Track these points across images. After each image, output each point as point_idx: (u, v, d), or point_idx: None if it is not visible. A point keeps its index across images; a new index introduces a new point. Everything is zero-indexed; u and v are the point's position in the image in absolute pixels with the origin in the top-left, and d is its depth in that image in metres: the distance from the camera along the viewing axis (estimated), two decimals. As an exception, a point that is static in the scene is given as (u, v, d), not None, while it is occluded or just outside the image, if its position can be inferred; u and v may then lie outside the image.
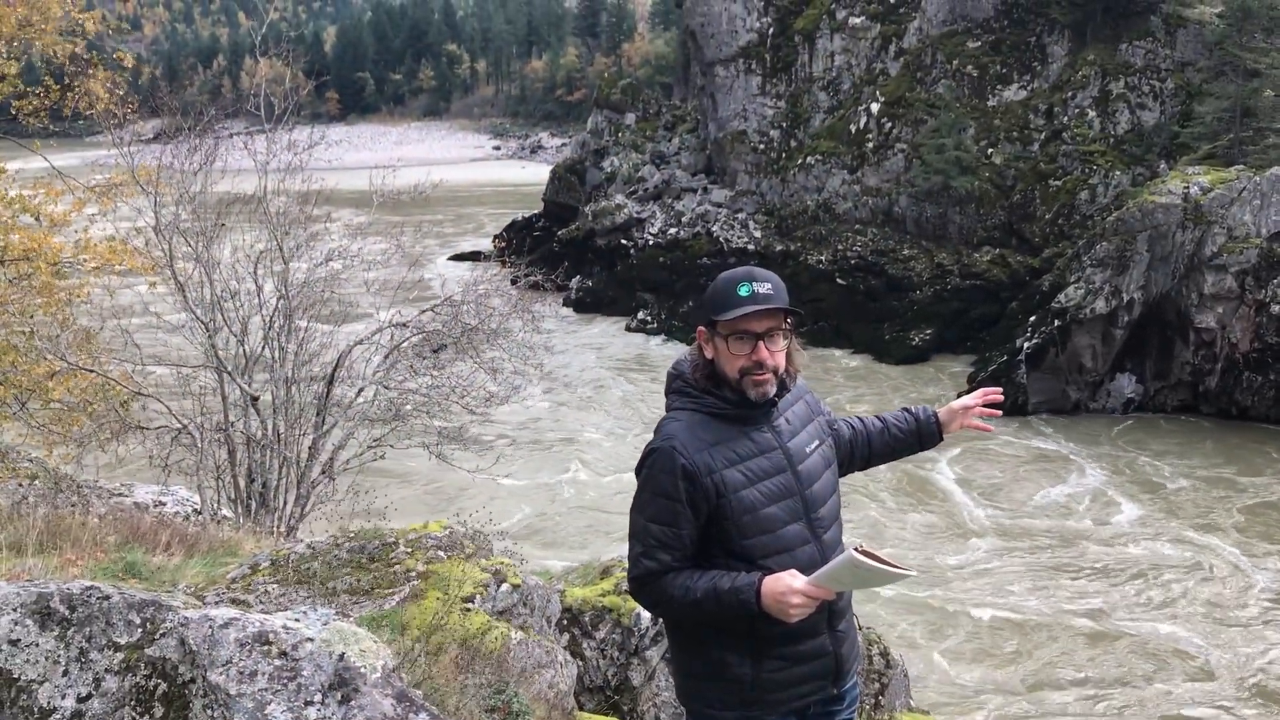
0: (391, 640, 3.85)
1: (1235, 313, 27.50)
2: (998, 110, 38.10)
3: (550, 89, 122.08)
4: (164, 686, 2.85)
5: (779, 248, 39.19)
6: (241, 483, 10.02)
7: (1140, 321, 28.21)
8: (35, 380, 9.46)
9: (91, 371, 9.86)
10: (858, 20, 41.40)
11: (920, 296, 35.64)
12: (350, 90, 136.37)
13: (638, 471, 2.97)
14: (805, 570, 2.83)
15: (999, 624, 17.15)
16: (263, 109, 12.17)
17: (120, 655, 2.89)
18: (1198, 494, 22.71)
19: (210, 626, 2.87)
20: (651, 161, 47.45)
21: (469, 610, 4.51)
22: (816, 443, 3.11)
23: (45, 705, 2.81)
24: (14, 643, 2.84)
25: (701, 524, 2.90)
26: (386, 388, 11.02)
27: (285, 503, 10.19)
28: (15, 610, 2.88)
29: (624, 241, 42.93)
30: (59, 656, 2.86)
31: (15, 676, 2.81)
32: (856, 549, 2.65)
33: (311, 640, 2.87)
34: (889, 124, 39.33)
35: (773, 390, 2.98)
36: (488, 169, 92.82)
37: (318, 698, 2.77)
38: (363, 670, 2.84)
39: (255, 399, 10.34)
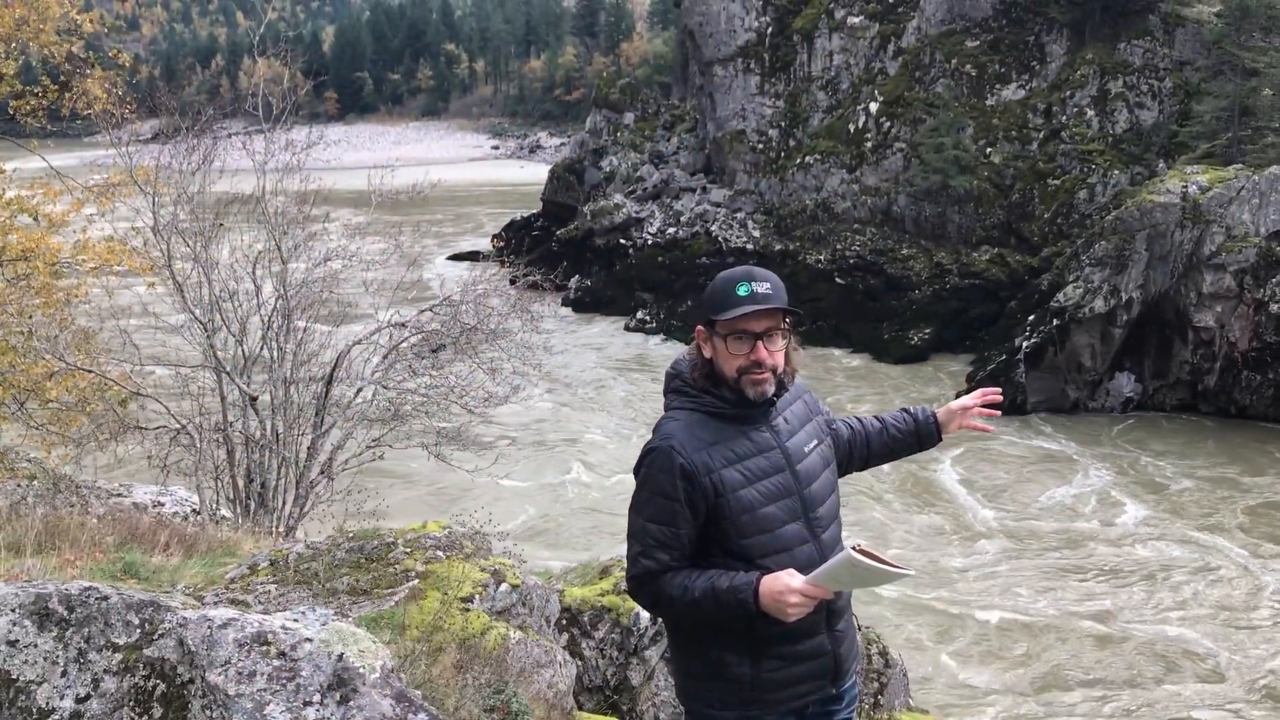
0: (390, 640, 3.85)
1: (1234, 312, 27.51)
2: (996, 109, 38.11)
3: (549, 88, 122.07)
4: (163, 687, 2.85)
5: (778, 247, 39.19)
6: (240, 483, 10.01)
7: (1139, 321, 28.22)
8: (33, 381, 9.45)
9: (90, 372, 9.86)
10: (856, 20, 41.40)
11: (919, 296, 35.65)
12: (348, 90, 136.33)
13: (636, 471, 2.97)
14: (803, 569, 2.83)
15: (1006, 625, 17.08)
16: (261, 109, 12.16)
17: (119, 656, 2.89)
18: (1202, 494, 22.65)
19: (209, 627, 2.87)
20: (650, 161, 47.45)
21: (468, 610, 4.51)
22: (815, 442, 3.11)
23: (44, 706, 2.80)
24: (12, 643, 2.83)
25: (700, 523, 2.90)
26: (385, 388, 11.02)
27: (284, 503, 10.18)
28: (14, 611, 2.87)
29: (623, 241, 42.92)
30: (57, 657, 2.86)
31: (14, 677, 2.81)
32: (855, 548, 2.65)
33: (310, 640, 2.87)
34: (888, 123, 39.33)
35: (771, 390, 2.98)
36: (486, 169, 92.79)
37: (316, 698, 2.77)
38: (361, 670, 2.84)
39: (254, 399, 10.33)
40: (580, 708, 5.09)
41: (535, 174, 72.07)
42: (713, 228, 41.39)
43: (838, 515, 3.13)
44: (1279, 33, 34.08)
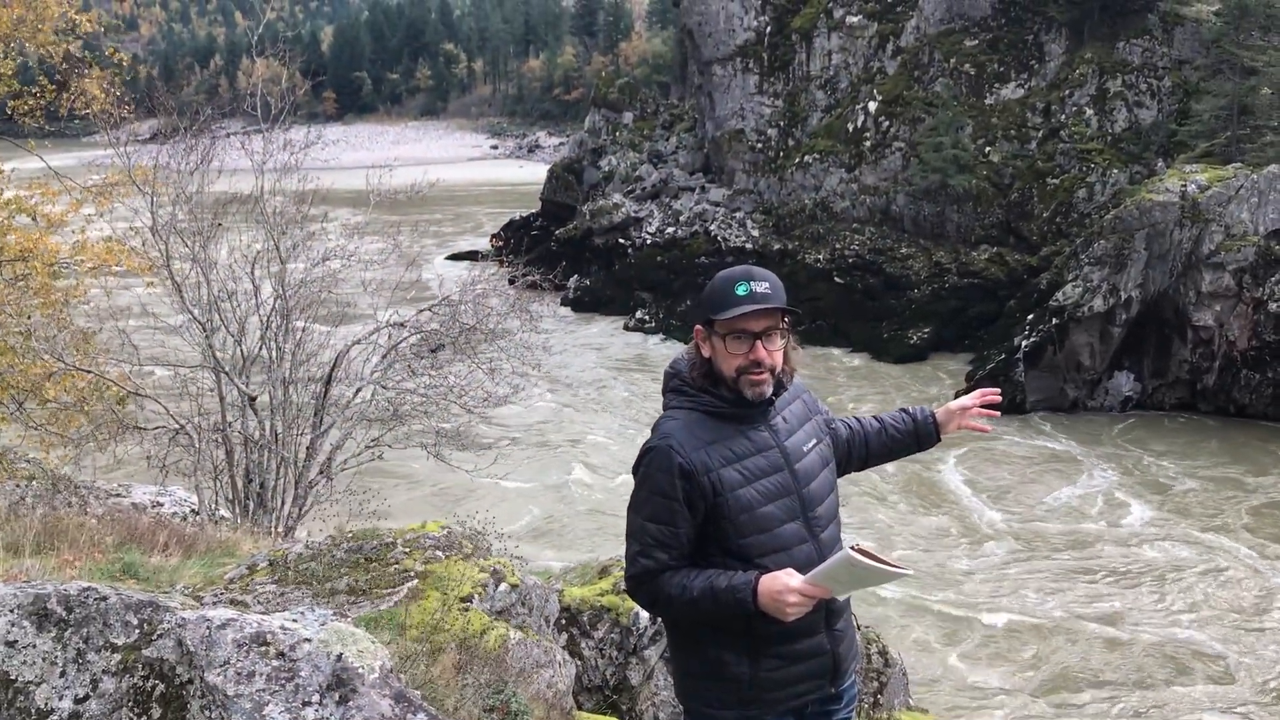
0: (390, 641, 3.85)
1: (1233, 311, 27.52)
2: (995, 109, 38.12)
3: (547, 88, 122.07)
4: (162, 687, 2.85)
5: (777, 246, 39.20)
6: (239, 483, 10.01)
7: (1138, 320, 28.23)
8: (32, 381, 9.45)
9: (88, 372, 9.85)
10: (855, 19, 41.40)
11: (918, 295, 35.66)
12: (347, 90, 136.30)
13: (635, 470, 2.97)
14: (802, 569, 2.82)
15: (1014, 627, 17.02)
16: (259, 109, 12.16)
17: (118, 656, 2.88)
18: (1206, 494, 22.59)
19: (208, 627, 2.87)
20: (649, 160, 47.45)
21: (467, 610, 4.50)
22: (814, 441, 3.11)
23: (43, 706, 2.80)
24: (11, 644, 2.83)
25: (699, 522, 2.90)
26: (384, 388, 11.01)
27: (283, 503, 10.18)
28: (12, 611, 2.87)
29: (622, 241, 42.92)
30: (56, 658, 2.85)
31: (12, 678, 2.80)
32: (853, 548, 2.65)
33: (309, 641, 2.87)
34: (886, 123, 39.34)
35: (769, 389, 2.98)
36: (485, 168, 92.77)
37: (315, 698, 2.76)
38: (360, 671, 2.84)
39: (253, 399, 10.33)
40: (580, 707, 5.09)
41: (534, 173, 72.05)
42: (711, 227, 41.39)
43: (837, 515, 3.13)
44: (1278, 31, 34.09)
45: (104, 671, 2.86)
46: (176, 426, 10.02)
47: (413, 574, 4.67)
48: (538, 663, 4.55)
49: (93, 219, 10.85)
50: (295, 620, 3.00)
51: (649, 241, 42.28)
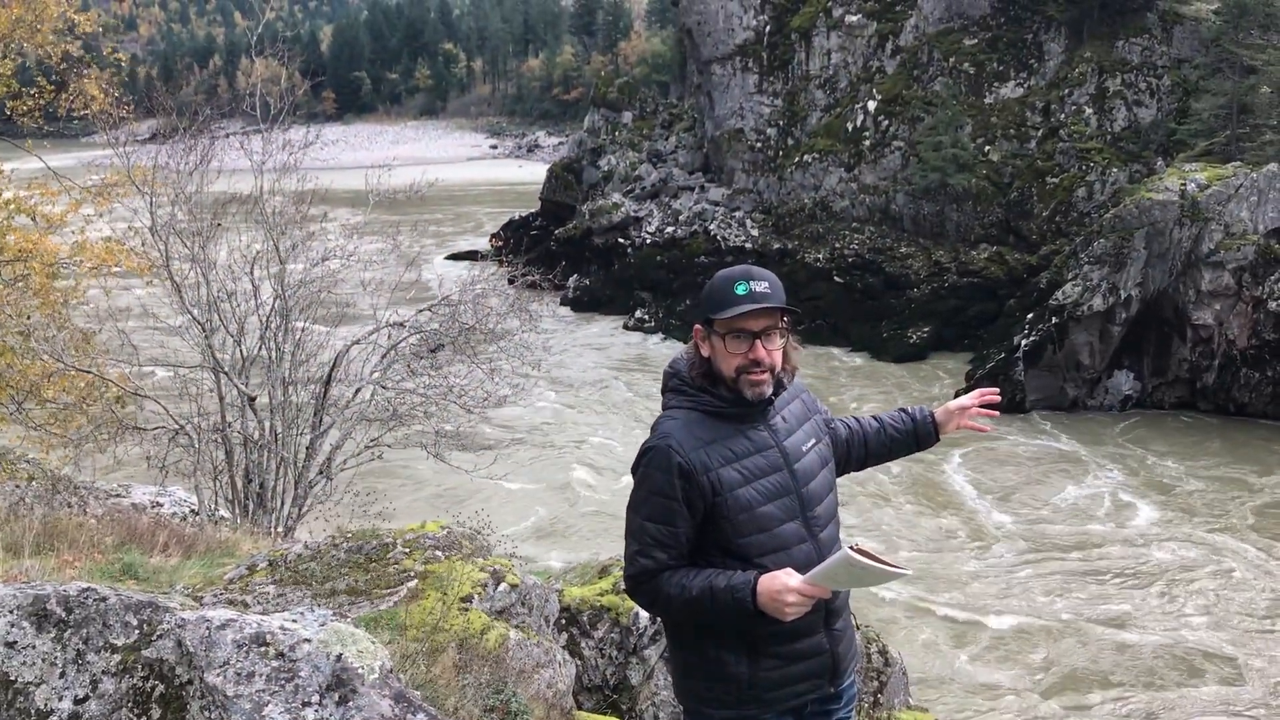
0: (389, 641, 3.85)
1: (1232, 309, 27.52)
2: (995, 108, 38.12)
3: (547, 88, 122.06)
4: (161, 688, 2.85)
5: (776, 246, 39.20)
6: (239, 483, 10.01)
7: (1138, 319, 28.23)
8: (31, 381, 9.45)
9: (88, 372, 9.85)
10: (854, 18, 41.40)
11: (918, 294, 35.66)
12: (346, 90, 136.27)
13: (634, 470, 2.98)
14: (801, 568, 2.83)
15: (1023, 629, 16.94)
16: (259, 109, 12.16)
17: (117, 657, 2.88)
18: (1212, 494, 22.51)
19: (207, 628, 2.87)
20: (648, 160, 47.44)
21: (467, 610, 4.50)
22: (813, 441, 3.11)
23: (42, 707, 2.80)
24: (10, 645, 2.83)
25: (698, 522, 2.90)
26: (384, 388, 11.02)
27: (283, 503, 10.18)
28: (12, 612, 2.87)
29: (621, 240, 42.92)
30: (56, 658, 2.85)
31: (12, 679, 2.80)
32: (852, 547, 2.65)
33: (309, 641, 2.87)
34: (886, 122, 39.34)
35: (769, 389, 2.98)
36: (484, 168, 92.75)
37: (315, 699, 2.76)
38: (360, 671, 2.84)
39: (252, 399, 10.33)
40: (580, 707, 5.09)
41: (533, 173, 72.05)
42: (711, 227, 41.39)
43: (836, 514, 3.13)
44: (1277, 30, 34.09)
45: (104, 672, 2.86)
46: (176, 427, 10.02)
47: (412, 574, 4.67)
48: (538, 662, 4.55)
49: (92, 219, 10.85)
50: (295, 621, 3.00)
51: (648, 241, 42.28)
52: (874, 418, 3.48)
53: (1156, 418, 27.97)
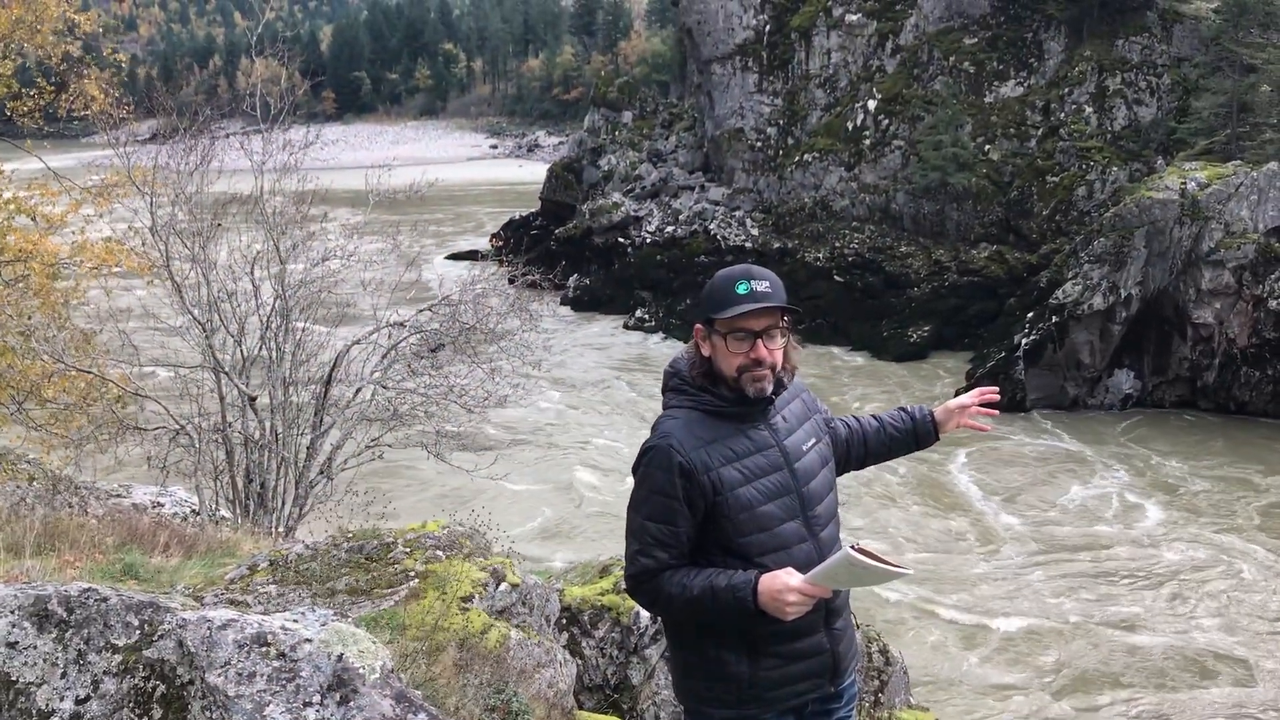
0: (390, 640, 3.85)
1: (1233, 308, 27.52)
2: (995, 107, 38.11)
3: (547, 88, 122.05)
4: (162, 688, 2.85)
5: (776, 245, 39.20)
6: (240, 483, 10.01)
7: (1138, 317, 28.22)
8: (32, 382, 9.45)
9: (88, 372, 9.85)
10: (854, 17, 41.39)
11: (918, 293, 35.66)
12: (346, 90, 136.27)
13: (635, 470, 2.98)
14: (802, 568, 2.83)
15: (1033, 631, 16.87)
16: (259, 109, 12.16)
17: (118, 657, 2.88)
18: (1218, 495, 22.42)
19: (208, 628, 2.87)
20: (648, 160, 47.43)
21: (467, 610, 4.50)
22: (813, 440, 3.11)
23: (44, 708, 2.80)
24: (12, 645, 2.83)
25: (699, 521, 2.90)
26: (385, 388, 11.02)
27: (283, 503, 10.18)
28: (13, 613, 2.87)
29: (621, 240, 42.92)
30: (57, 659, 2.85)
31: (13, 679, 2.80)
32: (853, 547, 2.65)
33: (310, 641, 2.87)
34: (886, 121, 39.33)
35: (770, 388, 2.98)
36: (484, 168, 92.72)
37: (316, 699, 2.76)
38: (361, 671, 2.84)
39: (253, 399, 10.33)
40: (581, 707, 5.09)
41: (533, 173, 72.02)
42: (711, 226, 41.39)
43: (836, 514, 3.13)
44: (1277, 29, 34.07)
45: (105, 672, 2.86)
46: (177, 427, 10.02)
47: (413, 574, 4.67)
48: (538, 662, 4.55)
49: (92, 220, 10.85)
50: (296, 621, 3.00)
51: (648, 240, 42.28)
52: (873, 417, 3.49)
53: (1158, 417, 27.95)
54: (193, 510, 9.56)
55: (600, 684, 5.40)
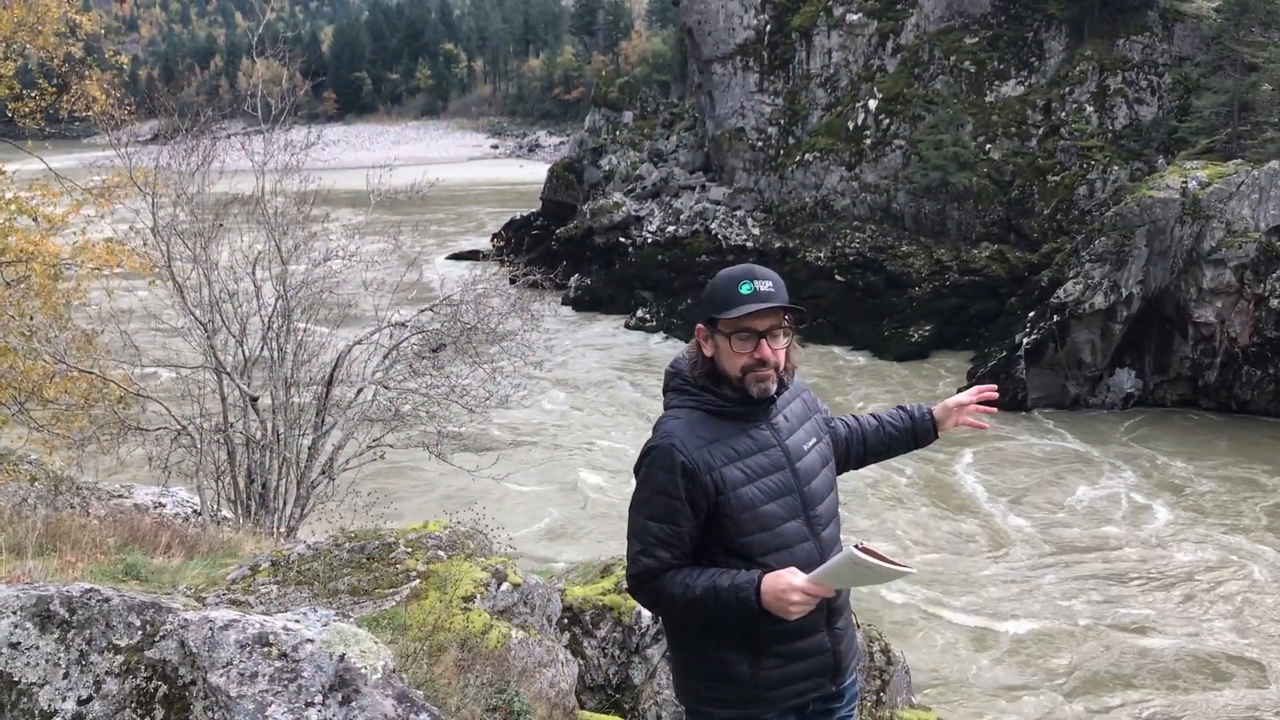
0: (392, 641, 3.85)
1: (1234, 307, 27.50)
2: (995, 106, 38.09)
3: (547, 88, 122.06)
4: (164, 688, 2.85)
5: (777, 245, 39.19)
6: (241, 484, 10.02)
7: (1139, 316, 28.21)
8: (33, 383, 9.46)
9: (90, 373, 9.86)
10: (855, 17, 41.38)
11: (919, 293, 35.64)
12: (347, 90, 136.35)
13: (636, 470, 2.98)
14: (804, 567, 2.83)
15: (1044, 632, 16.79)
16: (260, 109, 12.17)
17: (120, 658, 2.89)
18: (1225, 495, 22.34)
19: (210, 628, 2.87)
20: (649, 159, 47.43)
21: (469, 610, 4.50)
22: (814, 440, 3.11)
23: (46, 708, 2.80)
24: (14, 645, 2.84)
25: (701, 521, 2.90)
26: (386, 388, 11.02)
27: (285, 503, 10.19)
28: (15, 613, 2.87)
29: (622, 240, 42.92)
30: (59, 659, 2.86)
31: (15, 679, 2.81)
32: (857, 546, 2.65)
33: (312, 641, 2.87)
34: (887, 120, 39.32)
35: (774, 387, 2.98)
36: (485, 168, 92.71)
37: (318, 699, 2.77)
38: (363, 671, 2.84)
39: (254, 400, 10.34)
40: (582, 706, 5.09)
41: (534, 173, 72.02)
42: (712, 226, 41.38)
43: (837, 513, 3.13)
44: (1278, 27, 34.05)
45: (107, 673, 2.87)
46: (179, 427, 10.03)
47: (415, 574, 4.67)
48: (540, 662, 4.55)
49: (94, 220, 10.86)
50: (298, 621, 3.01)
51: (650, 240, 42.28)
52: (872, 416, 3.49)
53: (1160, 416, 27.90)
54: (194, 511, 9.56)
55: (602, 684, 5.40)
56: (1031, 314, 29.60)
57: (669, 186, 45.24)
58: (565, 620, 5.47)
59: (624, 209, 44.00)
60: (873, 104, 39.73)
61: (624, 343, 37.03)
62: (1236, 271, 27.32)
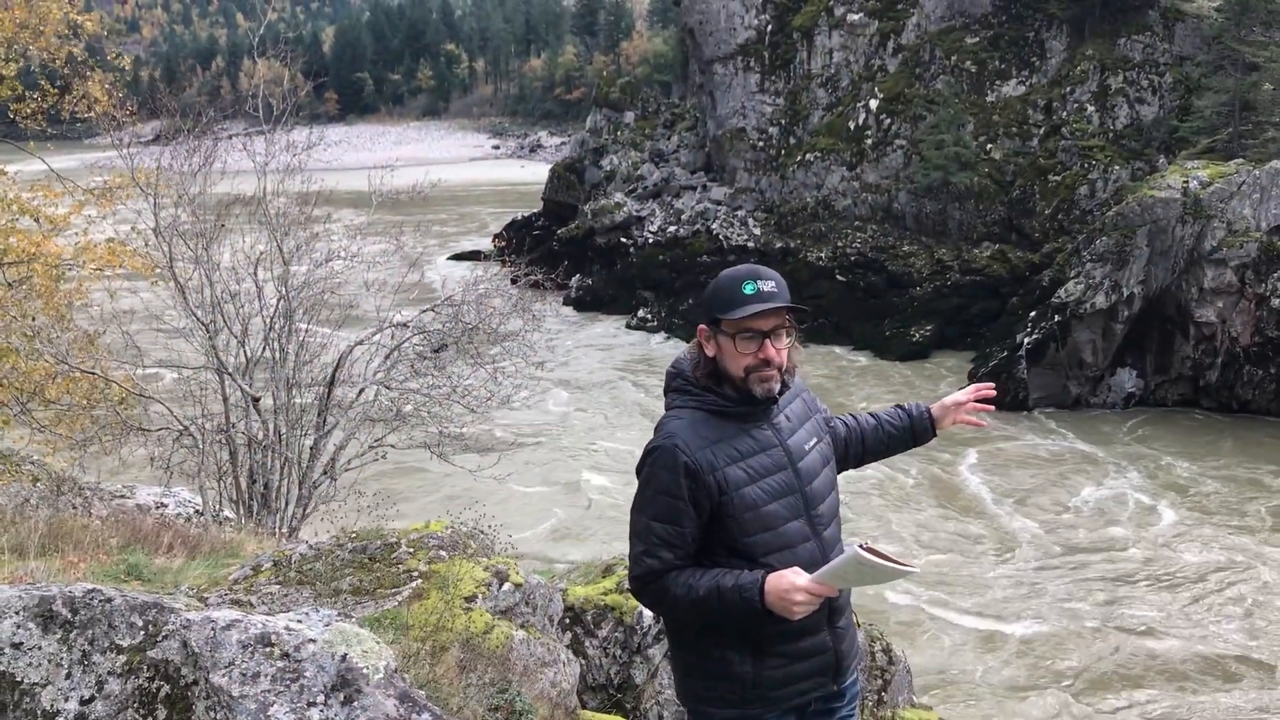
0: (393, 640, 3.85)
1: (1235, 306, 27.48)
2: (996, 106, 38.08)
3: (549, 88, 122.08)
4: (167, 689, 2.86)
5: (779, 245, 39.19)
6: (243, 484, 10.02)
7: (1140, 316, 28.20)
8: (35, 383, 9.47)
9: (92, 374, 9.87)
10: (856, 17, 41.37)
11: (920, 293, 35.64)
12: (349, 90, 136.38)
13: (639, 470, 2.98)
14: (806, 567, 2.83)
15: (1051, 634, 16.73)
16: (261, 110, 12.18)
17: (123, 658, 2.89)
18: (1230, 495, 22.28)
19: (213, 628, 2.87)
20: (650, 160, 47.43)
21: (471, 610, 4.51)
22: (815, 440, 3.12)
23: (48, 708, 2.81)
24: (16, 646, 2.84)
25: (704, 521, 2.90)
26: (388, 388, 11.02)
27: (287, 504, 10.19)
28: (18, 614, 2.88)
29: (623, 240, 42.92)
30: (61, 659, 2.86)
31: (18, 680, 2.81)
32: (861, 546, 2.65)
33: (314, 641, 2.87)
34: (888, 120, 39.31)
35: (778, 388, 2.98)
36: (487, 168, 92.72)
37: (320, 699, 2.77)
38: (365, 671, 2.85)
39: (256, 400, 10.34)
40: (584, 706, 5.10)
41: (536, 173, 72.02)
42: (713, 226, 41.38)
43: (838, 513, 3.14)
44: (1279, 27, 34.03)
45: (109, 673, 2.87)
46: (181, 428, 10.04)
47: (416, 574, 4.68)
48: (542, 661, 4.55)
49: (95, 221, 10.87)
50: (300, 621, 3.01)
51: (651, 240, 42.28)
52: (871, 414, 3.50)
53: (1162, 416, 27.87)
54: (196, 511, 9.57)
55: (604, 683, 5.40)
56: (1033, 314, 29.59)
57: (670, 187, 45.24)
58: (567, 620, 5.48)
59: (625, 209, 44.01)
60: (874, 104, 39.73)
61: (625, 343, 37.03)
62: (1238, 271, 27.31)
